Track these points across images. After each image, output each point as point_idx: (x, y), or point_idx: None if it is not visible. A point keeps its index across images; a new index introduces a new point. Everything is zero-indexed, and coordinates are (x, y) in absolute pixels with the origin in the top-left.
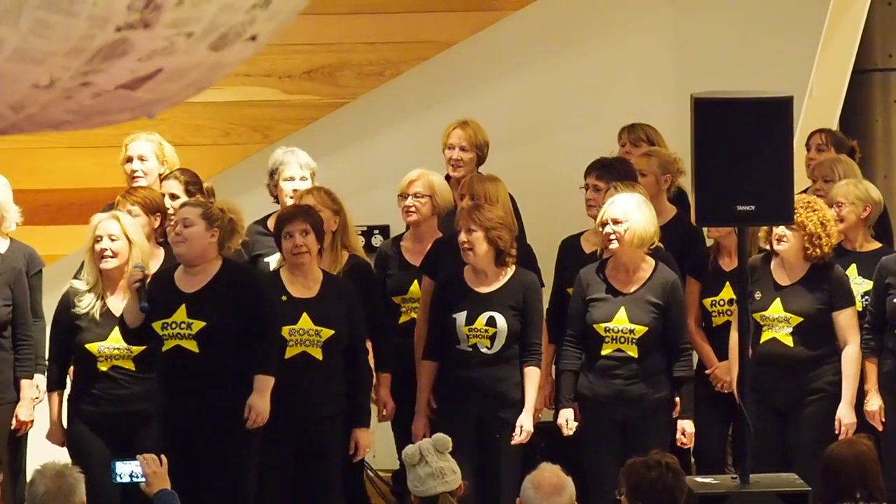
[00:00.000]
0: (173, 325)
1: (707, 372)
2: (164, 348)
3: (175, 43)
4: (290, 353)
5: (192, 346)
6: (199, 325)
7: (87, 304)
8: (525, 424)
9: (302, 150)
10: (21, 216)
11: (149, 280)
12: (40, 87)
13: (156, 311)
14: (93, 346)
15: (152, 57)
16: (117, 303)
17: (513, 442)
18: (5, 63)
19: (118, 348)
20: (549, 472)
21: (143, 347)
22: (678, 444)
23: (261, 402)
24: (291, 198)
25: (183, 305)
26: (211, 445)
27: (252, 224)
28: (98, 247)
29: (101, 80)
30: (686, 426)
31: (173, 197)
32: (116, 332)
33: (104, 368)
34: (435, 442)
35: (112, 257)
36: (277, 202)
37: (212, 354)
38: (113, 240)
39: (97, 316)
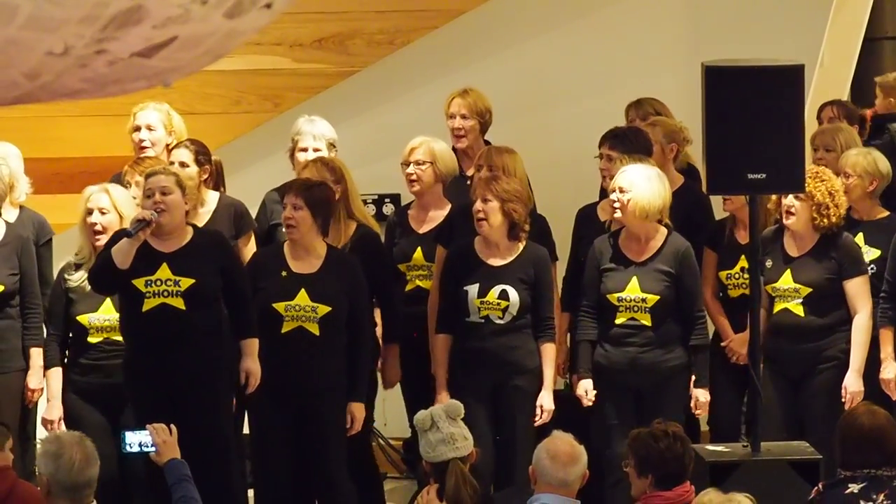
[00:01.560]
0: (158, 283)
1: (723, 344)
2: (146, 307)
3: (190, 10)
4: (287, 328)
5: (178, 303)
6: (187, 282)
7: (78, 276)
8: (546, 404)
9: (323, 121)
10: (31, 187)
11: (149, 228)
12: (55, 54)
13: (135, 268)
14: (84, 318)
15: (167, 24)
16: None
17: (536, 423)
18: (19, 31)
19: (108, 319)
20: (564, 442)
21: None
22: (693, 412)
23: (254, 364)
24: (312, 162)
25: (164, 264)
26: (194, 404)
27: (269, 192)
28: (89, 220)
29: (115, 47)
30: (700, 395)
31: (183, 165)
32: (108, 303)
33: (95, 340)
34: (447, 408)
35: (102, 233)
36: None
37: (198, 312)
38: (103, 213)
39: (87, 288)
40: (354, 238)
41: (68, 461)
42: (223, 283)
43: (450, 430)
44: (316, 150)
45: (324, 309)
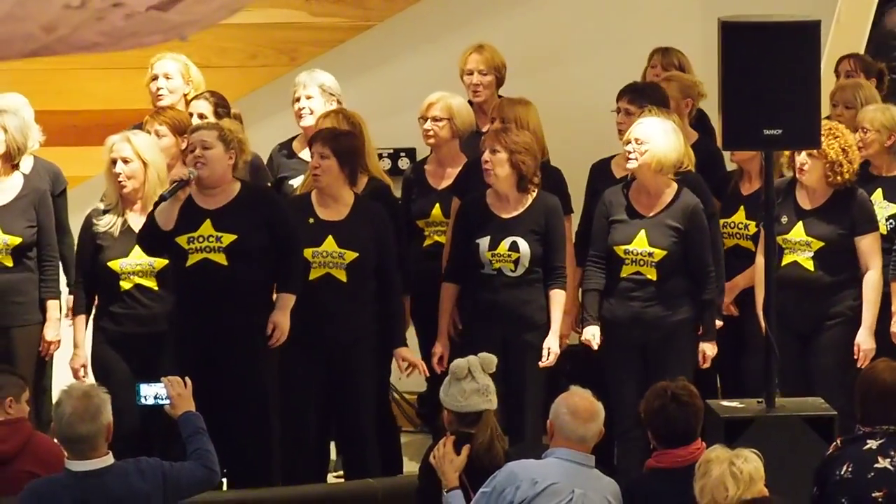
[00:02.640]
0: (200, 239)
1: None
2: (189, 263)
3: None
4: (314, 274)
5: (220, 258)
6: (229, 237)
7: (106, 222)
8: (552, 346)
9: (324, 73)
10: (42, 135)
11: (189, 187)
12: (72, 7)
13: (178, 225)
14: (115, 264)
15: None
16: (138, 220)
17: (541, 364)
18: None
19: (140, 264)
20: (584, 398)
21: (165, 263)
22: (699, 366)
23: (284, 319)
24: (300, 116)
25: (208, 220)
26: (236, 359)
27: (276, 147)
28: (114, 170)
29: (132, 1)
30: (706, 349)
31: (202, 117)
32: (138, 248)
33: (127, 286)
34: (482, 359)
35: (127, 180)
36: None
37: (240, 267)
38: (126, 162)
39: (117, 233)
40: (366, 192)
41: (63, 413)
42: (269, 238)
43: (484, 382)
44: (308, 97)
45: (351, 255)
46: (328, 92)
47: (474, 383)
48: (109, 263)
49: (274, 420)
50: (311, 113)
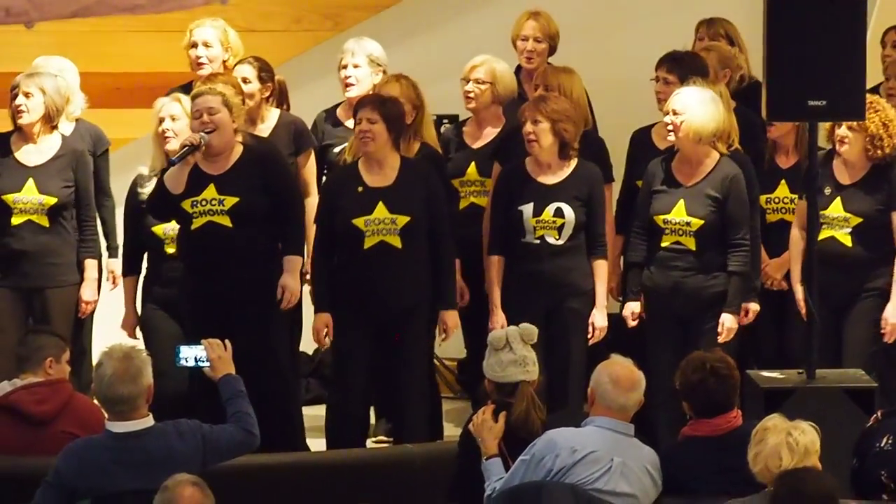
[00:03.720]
0: (203, 203)
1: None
2: (194, 226)
3: None
4: (369, 243)
5: (225, 220)
6: (231, 200)
7: (152, 187)
8: (598, 322)
9: (372, 41)
10: (86, 102)
11: (199, 152)
12: None
13: (184, 192)
14: (158, 229)
15: None
16: None
17: (590, 342)
18: None
19: None
20: (625, 368)
21: None
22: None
23: (294, 282)
24: (346, 85)
25: (211, 184)
26: (244, 321)
27: (321, 113)
28: (161, 128)
29: None
30: (726, 320)
31: (245, 81)
32: None
33: (172, 251)
34: (522, 330)
35: (175, 137)
36: None
37: (244, 230)
38: (174, 120)
39: None
40: (417, 158)
41: (103, 374)
42: (270, 200)
43: (522, 353)
44: (355, 66)
45: (403, 219)
46: (375, 62)
47: (511, 354)
48: (154, 229)
49: (288, 380)
50: (357, 83)
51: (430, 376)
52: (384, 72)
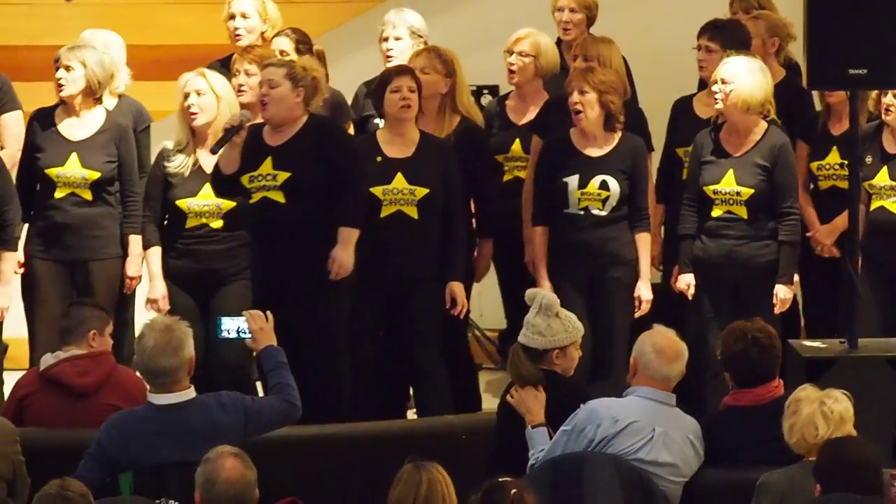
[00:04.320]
0: (259, 178)
1: (808, 234)
2: (252, 201)
3: None
4: (385, 212)
5: (278, 196)
6: (283, 175)
7: (178, 162)
8: (644, 295)
9: (412, 13)
10: (131, 78)
11: (243, 131)
12: None
13: (244, 164)
14: (183, 203)
15: None
16: (209, 159)
17: (636, 314)
18: None
19: (207, 205)
20: (669, 338)
21: (233, 205)
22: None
23: (344, 253)
24: (388, 58)
25: (269, 158)
26: (300, 297)
27: (361, 86)
28: (185, 103)
29: None
30: (780, 291)
31: (283, 54)
32: (207, 188)
33: (192, 225)
34: (545, 301)
35: (199, 112)
36: None
37: (297, 204)
38: (200, 95)
39: (187, 173)
40: (457, 131)
41: (145, 346)
42: (326, 173)
43: (532, 320)
44: (397, 38)
45: (421, 191)
46: (417, 34)
47: (538, 318)
48: (178, 202)
49: (343, 355)
50: (399, 56)
51: (462, 348)
52: (425, 43)
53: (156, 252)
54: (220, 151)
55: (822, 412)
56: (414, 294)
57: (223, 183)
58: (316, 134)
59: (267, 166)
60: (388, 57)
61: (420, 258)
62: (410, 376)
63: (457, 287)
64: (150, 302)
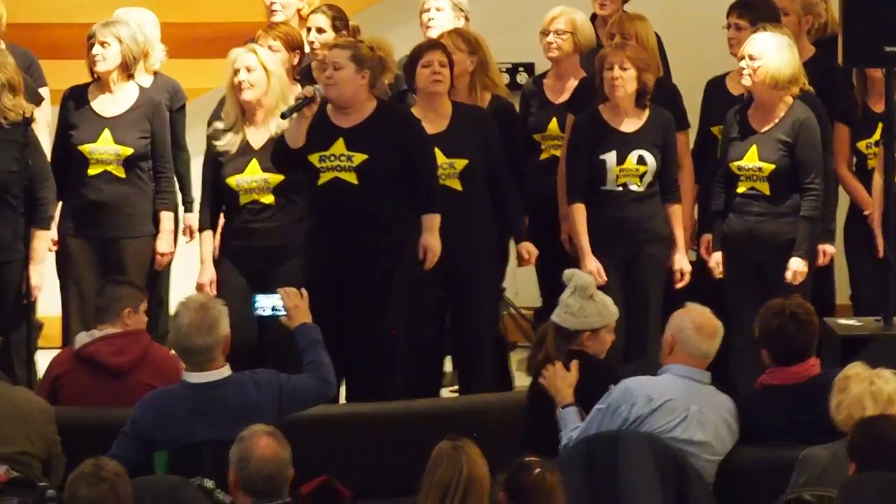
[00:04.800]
0: (332, 158)
1: (866, 213)
2: (321, 181)
3: None
4: None
5: (351, 178)
6: (360, 157)
7: (226, 141)
8: (683, 266)
9: None
10: (166, 56)
11: (315, 104)
12: None
13: (312, 143)
14: (231, 180)
15: None
16: (256, 136)
17: (678, 286)
18: None
19: (255, 180)
20: (706, 315)
21: (281, 179)
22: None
23: (433, 240)
24: (427, 27)
25: (341, 139)
26: (365, 280)
27: (402, 59)
28: (236, 79)
29: None
30: (793, 263)
31: (320, 31)
32: (254, 164)
33: (244, 202)
34: (579, 283)
35: (250, 88)
36: None
37: (370, 188)
38: (250, 71)
39: (235, 150)
40: (489, 109)
41: (180, 325)
42: (401, 159)
43: (566, 299)
44: (438, 9)
45: (461, 163)
46: (458, 7)
47: (572, 299)
48: (228, 180)
49: (400, 342)
50: (439, 27)
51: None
52: (466, 18)
53: (207, 236)
54: (289, 122)
55: (871, 392)
56: (470, 267)
57: (287, 156)
58: (389, 119)
59: (339, 147)
60: (429, 27)
61: (471, 230)
62: (465, 347)
63: (525, 246)
64: (199, 286)
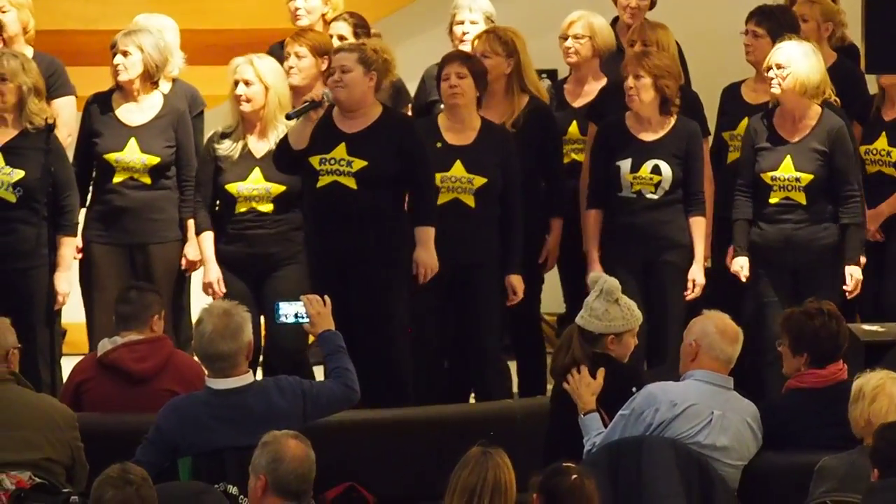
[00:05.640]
0: (332, 161)
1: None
2: (319, 184)
3: None
4: (442, 199)
5: (350, 182)
6: (360, 163)
7: (227, 146)
8: (697, 278)
9: None
10: (184, 62)
11: (321, 109)
12: None
13: (314, 146)
14: (232, 187)
15: None
16: (258, 145)
17: (687, 297)
18: None
19: (257, 189)
20: (727, 320)
21: (282, 189)
22: (846, 290)
23: (426, 254)
24: (462, 41)
25: (343, 144)
26: (363, 282)
27: (429, 68)
28: (236, 92)
29: None
30: (854, 272)
31: (341, 38)
32: (256, 172)
33: (242, 209)
34: (605, 286)
35: (247, 102)
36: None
37: (368, 193)
38: (248, 84)
39: (236, 157)
40: (526, 111)
41: (203, 331)
42: (401, 167)
43: (591, 303)
44: (473, 22)
45: (480, 180)
46: (490, 19)
47: (597, 302)
48: (227, 186)
49: (402, 343)
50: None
51: (535, 330)
52: None
53: (208, 236)
54: (294, 124)
55: (891, 398)
56: (474, 281)
57: (289, 157)
58: (392, 127)
59: (340, 151)
60: (462, 41)
61: (477, 246)
62: (473, 361)
63: (515, 280)
64: (206, 285)
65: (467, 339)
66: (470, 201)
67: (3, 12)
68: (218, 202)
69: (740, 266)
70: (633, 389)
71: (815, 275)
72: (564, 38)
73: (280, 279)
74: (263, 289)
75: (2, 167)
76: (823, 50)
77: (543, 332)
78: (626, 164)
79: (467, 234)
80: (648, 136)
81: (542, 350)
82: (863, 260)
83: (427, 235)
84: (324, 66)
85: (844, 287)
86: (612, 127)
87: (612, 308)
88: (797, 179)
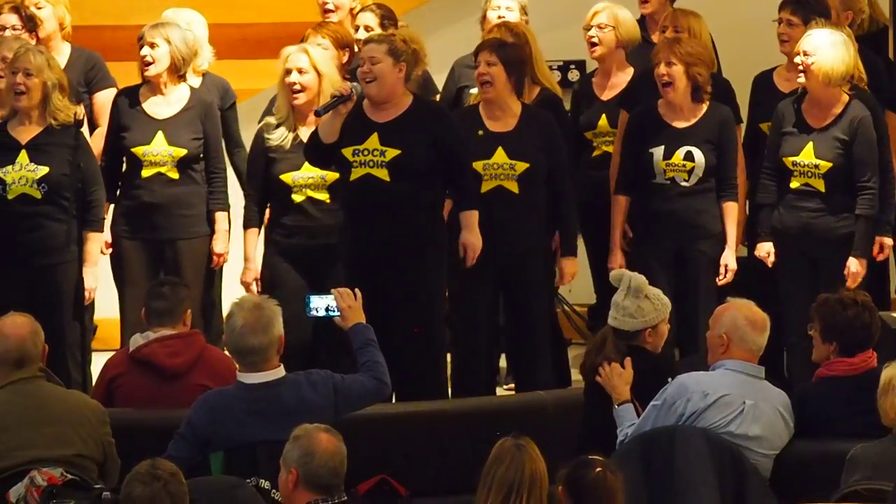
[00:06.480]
0: (365, 152)
1: None
2: (353, 177)
3: None
4: (486, 187)
5: (383, 174)
6: (392, 152)
7: (279, 135)
8: (730, 263)
9: None
10: (214, 56)
11: (351, 102)
12: None
13: (346, 137)
14: (287, 177)
15: None
16: (309, 133)
17: (719, 282)
18: None
19: (312, 177)
20: (755, 309)
21: (338, 177)
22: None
23: (472, 237)
24: (496, 27)
25: (375, 133)
26: (401, 275)
27: (461, 57)
28: (288, 80)
29: None
30: (851, 264)
31: (368, 29)
32: None
33: (299, 199)
34: (632, 282)
35: (301, 91)
36: None
37: (402, 183)
38: (301, 73)
39: (288, 146)
40: (536, 102)
41: (234, 326)
42: (437, 155)
43: (635, 303)
44: (508, 8)
45: (522, 166)
46: (524, 9)
47: (628, 300)
48: (282, 176)
49: (441, 334)
50: None
51: (554, 322)
52: (526, 20)
53: (253, 233)
54: (323, 118)
55: None
56: (523, 270)
57: (320, 151)
58: (424, 115)
59: (373, 142)
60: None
61: (523, 233)
62: (520, 349)
63: (567, 263)
64: (244, 285)
65: (517, 326)
66: (513, 187)
67: (39, 8)
68: (271, 195)
69: (766, 252)
70: (669, 380)
71: (836, 264)
72: (588, 28)
73: (340, 271)
74: (326, 282)
75: (26, 164)
76: None
77: (573, 323)
78: (658, 152)
79: (513, 222)
80: (681, 123)
81: (562, 341)
82: (889, 241)
83: (471, 219)
84: (345, 59)
85: (848, 280)
86: (645, 114)
87: (644, 303)
88: (816, 166)
